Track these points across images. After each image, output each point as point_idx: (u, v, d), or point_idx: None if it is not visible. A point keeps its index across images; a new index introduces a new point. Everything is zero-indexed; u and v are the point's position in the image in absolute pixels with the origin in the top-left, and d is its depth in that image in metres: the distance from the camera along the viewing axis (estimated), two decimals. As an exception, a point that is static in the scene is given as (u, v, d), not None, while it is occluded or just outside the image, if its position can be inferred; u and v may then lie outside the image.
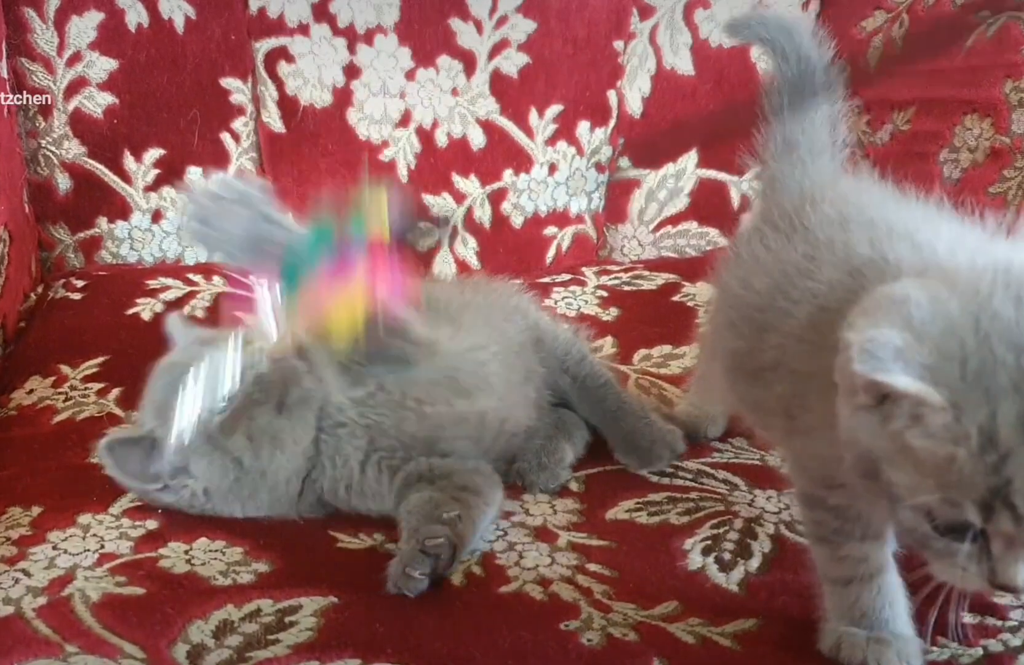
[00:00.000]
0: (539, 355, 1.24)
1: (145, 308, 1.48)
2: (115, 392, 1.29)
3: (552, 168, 1.77)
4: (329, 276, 1.00)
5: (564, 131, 1.76)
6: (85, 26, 1.61)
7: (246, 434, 1.06)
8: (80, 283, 1.56)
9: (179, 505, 1.07)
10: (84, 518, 1.06)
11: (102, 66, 1.62)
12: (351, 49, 1.68)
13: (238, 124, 1.68)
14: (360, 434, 1.09)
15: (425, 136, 1.72)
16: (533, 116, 1.75)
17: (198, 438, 1.05)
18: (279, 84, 1.68)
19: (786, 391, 0.87)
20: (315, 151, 1.71)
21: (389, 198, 1.04)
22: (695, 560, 1.02)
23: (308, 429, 1.08)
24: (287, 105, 1.68)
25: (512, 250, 1.75)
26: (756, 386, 0.93)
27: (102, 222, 1.66)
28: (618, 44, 1.77)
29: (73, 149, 1.63)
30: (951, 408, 0.69)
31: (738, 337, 0.94)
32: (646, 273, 1.70)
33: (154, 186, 1.66)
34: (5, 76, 1.56)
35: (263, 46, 1.67)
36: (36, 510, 1.08)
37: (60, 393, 1.29)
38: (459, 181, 1.74)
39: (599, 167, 1.80)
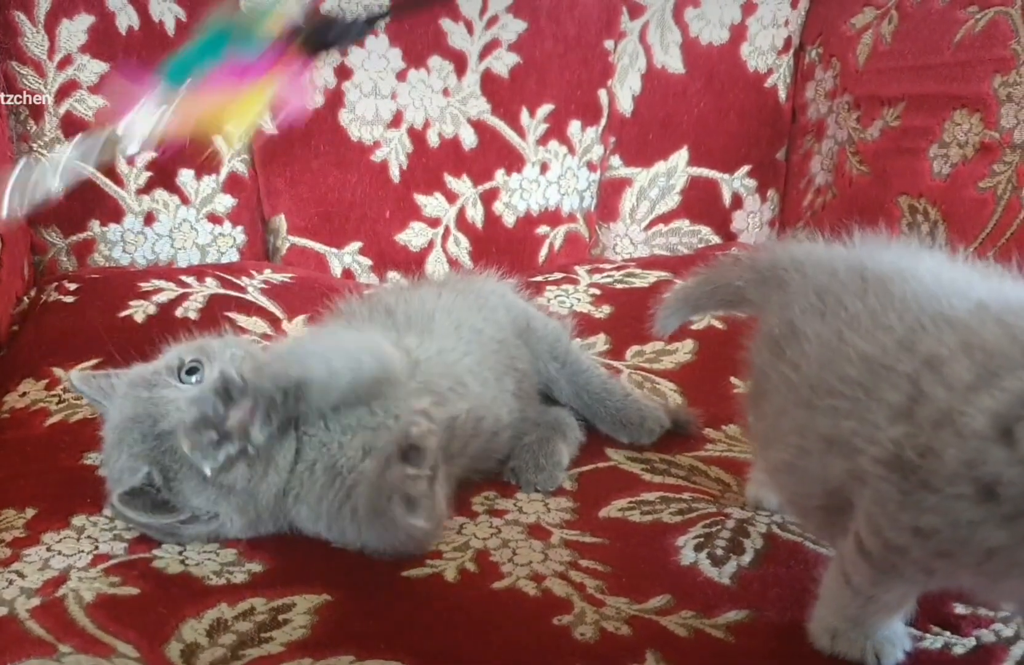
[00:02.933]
0: (526, 344, 1.25)
1: (138, 310, 1.48)
2: (108, 394, 1.29)
3: (544, 167, 1.77)
4: (225, 73, 0.96)
5: (555, 130, 1.77)
6: (76, 29, 1.60)
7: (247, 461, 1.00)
8: (73, 286, 1.55)
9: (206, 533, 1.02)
10: (78, 520, 1.06)
11: (93, 69, 1.61)
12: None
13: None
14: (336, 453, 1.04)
15: (417, 136, 1.73)
16: (524, 116, 1.75)
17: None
18: (270, 86, 1.67)
19: None
20: (307, 152, 1.71)
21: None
22: (687, 556, 1.02)
23: (292, 447, 1.03)
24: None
25: (504, 249, 1.75)
26: None
27: (94, 225, 1.65)
28: (608, 43, 1.77)
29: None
30: None
31: None
32: (638, 271, 1.70)
33: (146, 189, 1.66)
34: (-4, 80, 1.56)
35: (254, 48, 1.66)
36: (30, 512, 1.08)
37: (53, 396, 1.29)
38: (451, 181, 1.74)
39: (591, 166, 1.80)
